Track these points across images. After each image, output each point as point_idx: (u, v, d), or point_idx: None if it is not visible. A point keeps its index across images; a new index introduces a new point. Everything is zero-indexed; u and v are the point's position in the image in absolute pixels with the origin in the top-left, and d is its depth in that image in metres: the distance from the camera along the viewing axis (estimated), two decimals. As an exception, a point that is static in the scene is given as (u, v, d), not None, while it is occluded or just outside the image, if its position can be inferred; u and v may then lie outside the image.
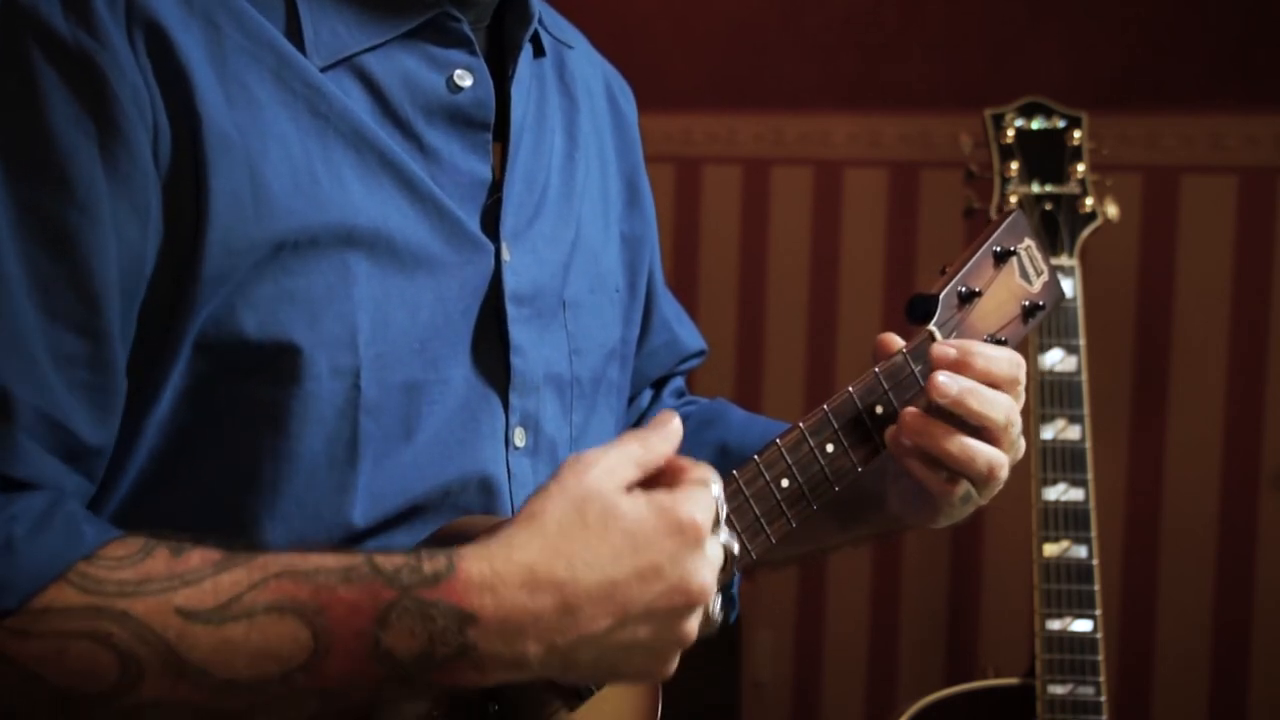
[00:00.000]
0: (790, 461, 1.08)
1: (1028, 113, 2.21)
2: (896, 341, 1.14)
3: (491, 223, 1.07)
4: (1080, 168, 2.17)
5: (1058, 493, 2.08)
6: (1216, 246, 2.99)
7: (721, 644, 3.21)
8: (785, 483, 1.08)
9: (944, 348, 1.12)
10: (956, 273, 1.18)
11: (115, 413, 0.95)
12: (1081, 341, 2.12)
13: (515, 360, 1.07)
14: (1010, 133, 2.18)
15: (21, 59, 0.91)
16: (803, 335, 3.42)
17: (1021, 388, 1.13)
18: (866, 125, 3.35)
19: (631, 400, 1.33)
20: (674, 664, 0.94)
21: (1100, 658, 2.03)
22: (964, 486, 1.13)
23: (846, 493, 1.13)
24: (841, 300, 3.37)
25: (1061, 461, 2.09)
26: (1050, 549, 2.06)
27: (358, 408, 0.99)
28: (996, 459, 1.11)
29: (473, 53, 1.07)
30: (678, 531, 0.90)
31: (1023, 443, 1.16)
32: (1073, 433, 2.10)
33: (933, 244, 3.24)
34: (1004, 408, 1.10)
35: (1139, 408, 3.06)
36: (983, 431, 1.10)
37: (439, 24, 1.05)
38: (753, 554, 1.07)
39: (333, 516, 0.99)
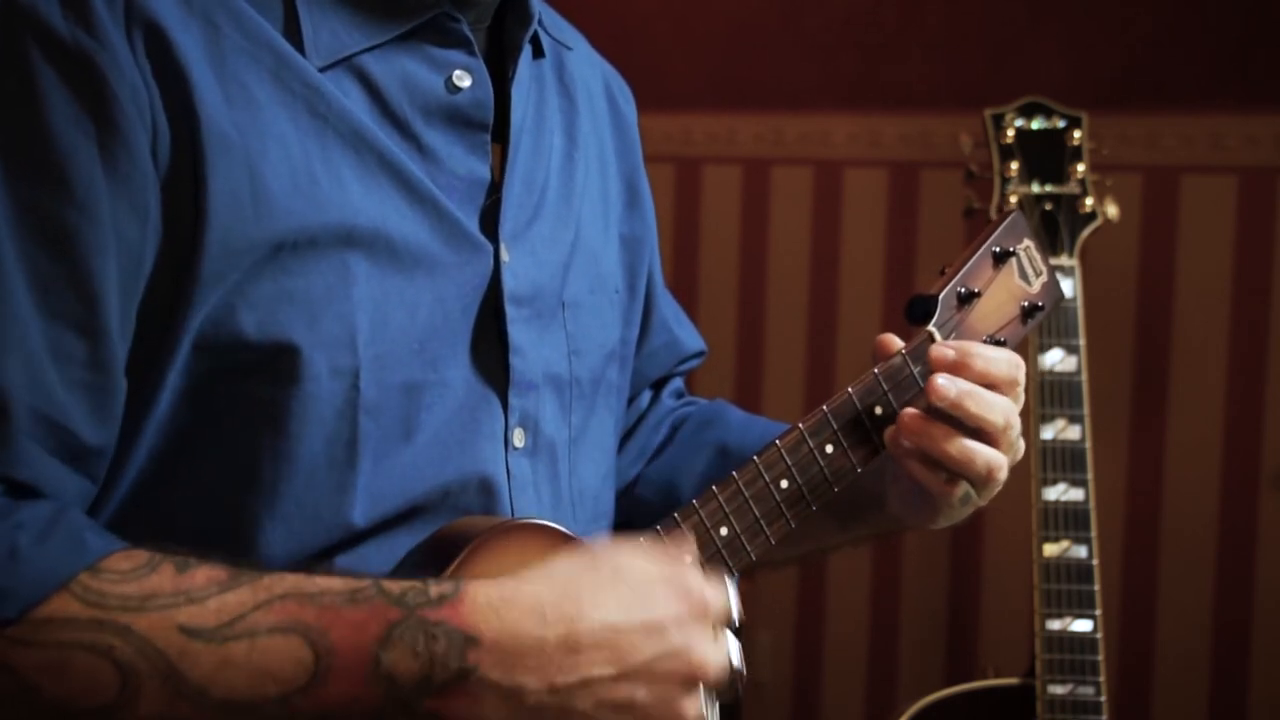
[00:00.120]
0: (790, 462, 1.08)
1: (1028, 113, 2.20)
2: (896, 342, 1.14)
3: (490, 224, 1.07)
4: (1080, 168, 2.17)
5: (1058, 493, 2.08)
6: (1216, 246, 2.98)
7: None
8: (785, 484, 1.08)
9: (943, 349, 1.12)
10: (956, 273, 1.18)
11: (115, 412, 0.94)
12: (1081, 341, 2.12)
13: (514, 361, 1.07)
14: (1010, 133, 2.18)
15: (21, 58, 0.91)
16: (803, 335, 3.41)
17: (1020, 389, 1.13)
18: (866, 125, 3.35)
19: (631, 401, 1.33)
20: None
21: (1100, 658, 2.03)
22: (963, 487, 1.13)
23: (846, 493, 1.13)
24: (841, 300, 3.37)
25: (1061, 461, 2.09)
26: (1050, 549, 2.06)
27: (357, 408, 0.99)
28: (995, 460, 1.11)
29: (472, 53, 1.06)
30: (685, 597, 0.93)
31: (1022, 444, 1.16)
32: (1073, 433, 2.10)
33: (933, 244, 3.24)
34: (1002, 410, 1.11)
35: (1139, 408, 3.05)
36: (981, 433, 1.10)
37: (438, 24, 1.05)
38: (752, 555, 1.07)
39: (332, 517, 0.99)
